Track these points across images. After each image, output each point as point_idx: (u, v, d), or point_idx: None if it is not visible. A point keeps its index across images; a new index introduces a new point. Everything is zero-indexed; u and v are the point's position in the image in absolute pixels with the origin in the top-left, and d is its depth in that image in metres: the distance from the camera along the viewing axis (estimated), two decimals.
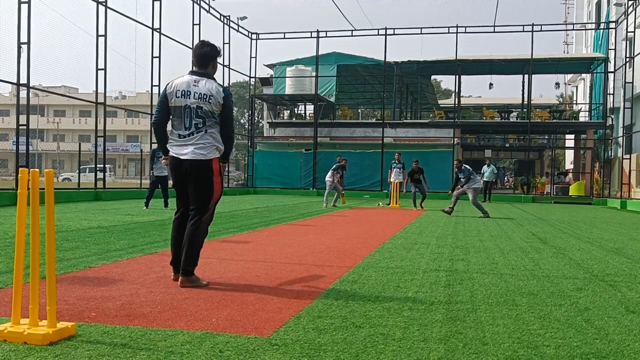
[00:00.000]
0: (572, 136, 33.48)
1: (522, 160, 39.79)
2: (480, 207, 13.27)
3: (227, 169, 4.61)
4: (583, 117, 30.41)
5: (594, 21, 34.40)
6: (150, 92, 20.65)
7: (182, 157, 4.16)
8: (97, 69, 17.08)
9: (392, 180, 17.46)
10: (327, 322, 3.23)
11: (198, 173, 4.14)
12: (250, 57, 29.14)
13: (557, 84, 39.90)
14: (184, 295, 3.85)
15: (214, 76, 4.35)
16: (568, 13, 52.87)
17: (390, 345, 2.82)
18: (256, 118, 50.72)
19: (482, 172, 22.53)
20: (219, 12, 25.58)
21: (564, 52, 50.46)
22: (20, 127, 14.01)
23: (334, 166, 16.82)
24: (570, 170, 33.45)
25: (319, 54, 28.33)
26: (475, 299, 3.95)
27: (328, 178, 16.57)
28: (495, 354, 2.73)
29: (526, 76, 28.44)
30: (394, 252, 6.34)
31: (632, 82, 23.25)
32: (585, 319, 3.48)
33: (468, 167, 13.58)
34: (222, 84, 4.34)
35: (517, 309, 3.68)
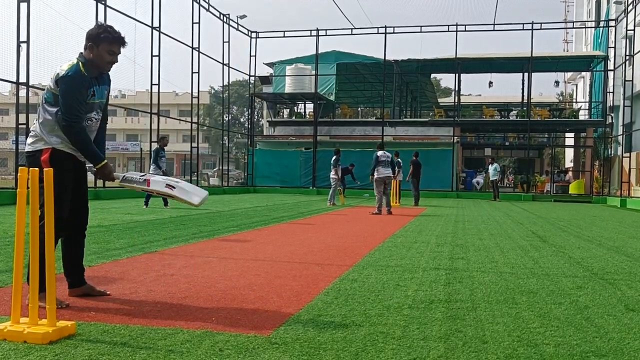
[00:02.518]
0: (572, 134, 33.48)
1: (522, 159, 39.79)
2: (379, 202, 13.15)
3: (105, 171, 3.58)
4: (583, 116, 30.41)
5: (593, 19, 34.39)
6: (150, 90, 20.65)
7: None
8: None
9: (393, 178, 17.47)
10: (326, 320, 3.23)
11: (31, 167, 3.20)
12: (250, 56, 29.16)
13: (557, 82, 39.88)
14: (184, 294, 3.85)
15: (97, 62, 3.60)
16: (568, 11, 52.88)
17: (390, 344, 2.82)
18: (256, 117, 50.72)
19: (487, 171, 22.78)
20: (218, 11, 25.59)
21: (564, 50, 50.44)
22: (19, 126, 14.01)
23: (332, 161, 16.69)
24: (570, 169, 33.45)
25: (319, 52, 28.34)
26: (475, 298, 3.95)
27: (333, 175, 16.51)
28: (495, 352, 2.73)
29: (526, 74, 28.43)
30: (393, 251, 6.34)
31: (632, 80, 23.25)
32: (585, 317, 3.48)
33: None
34: (77, 64, 3.53)
35: (517, 308, 3.68)
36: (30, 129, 3.63)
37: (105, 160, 3.57)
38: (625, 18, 23.84)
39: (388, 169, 13.37)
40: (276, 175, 27.80)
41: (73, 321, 2.96)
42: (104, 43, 3.56)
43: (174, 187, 3.65)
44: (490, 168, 22.58)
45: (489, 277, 4.78)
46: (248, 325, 3.09)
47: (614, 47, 25.76)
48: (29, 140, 3.57)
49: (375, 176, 13.32)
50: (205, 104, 57.96)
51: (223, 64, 26.26)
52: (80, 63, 3.54)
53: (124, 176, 3.70)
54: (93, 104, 3.60)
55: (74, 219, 3.66)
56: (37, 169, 2.93)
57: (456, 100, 28.36)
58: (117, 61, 3.67)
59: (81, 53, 3.63)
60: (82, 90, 3.49)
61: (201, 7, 23.88)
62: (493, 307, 3.67)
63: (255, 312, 3.40)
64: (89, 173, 3.99)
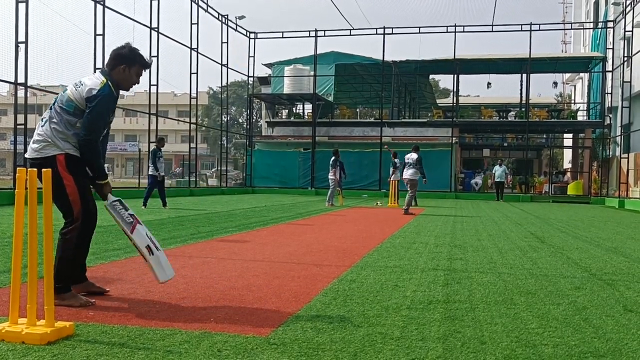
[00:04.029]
0: (570, 135, 33.51)
1: (521, 160, 39.82)
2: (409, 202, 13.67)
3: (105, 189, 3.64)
4: (581, 117, 30.44)
5: (592, 20, 34.43)
6: (148, 91, 20.64)
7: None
8: (95, 68, 17.04)
9: (391, 179, 17.51)
10: (325, 321, 3.23)
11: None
12: (249, 57, 29.16)
13: (555, 83, 39.82)
14: (182, 295, 3.85)
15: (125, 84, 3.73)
16: (566, 12, 52.96)
17: (389, 345, 2.82)
18: (254, 117, 50.70)
19: (493, 172, 22.91)
20: (217, 12, 25.57)
21: (562, 51, 50.49)
22: (18, 127, 14.00)
23: (330, 162, 16.69)
24: (569, 170, 33.49)
25: (317, 53, 28.33)
26: (474, 298, 3.95)
27: (331, 176, 16.51)
28: (493, 353, 2.73)
29: (524, 75, 28.45)
30: (392, 252, 6.34)
31: (630, 81, 23.27)
32: (583, 317, 3.48)
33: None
34: (107, 83, 3.57)
35: (515, 308, 3.68)
36: (37, 134, 3.55)
37: (108, 179, 3.66)
38: (623, 19, 23.86)
39: (408, 170, 13.80)
40: (275, 176, 27.80)
41: (71, 322, 2.96)
42: (136, 66, 3.69)
43: (152, 254, 3.51)
44: (499, 169, 22.68)
45: (487, 278, 4.78)
46: (246, 326, 3.09)
47: (612, 48, 25.78)
48: (35, 145, 3.52)
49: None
50: (203, 105, 57.93)
51: (222, 64, 26.26)
52: (109, 83, 3.59)
53: (113, 202, 3.57)
54: (109, 121, 3.71)
55: None
56: (47, 172, 2.92)
57: (455, 101, 28.36)
58: (139, 83, 3.80)
59: (105, 70, 3.68)
60: (110, 110, 3.60)
61: (200, 8, 23.87)
62: (491, 308, 3.67)
63: (253, 313, 3.40)
64: None
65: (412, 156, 13.74)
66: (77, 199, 3.51)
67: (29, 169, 2.88)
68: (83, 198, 3.54)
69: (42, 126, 3.57)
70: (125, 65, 3.65)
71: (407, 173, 13.69)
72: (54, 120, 3.53)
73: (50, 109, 3.60)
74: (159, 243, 3.62)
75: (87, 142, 3.49)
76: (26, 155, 3.58)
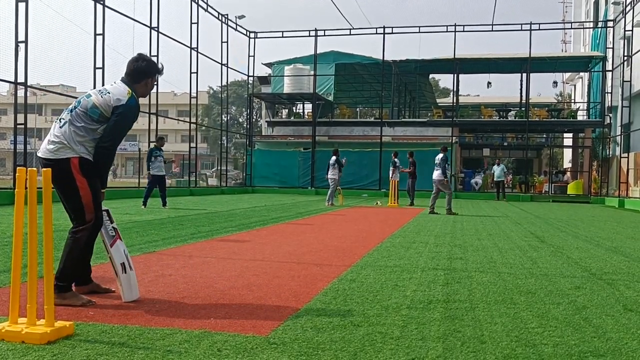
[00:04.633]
0: (570, 135, 33.50)
1: (520, 159, 39.81)
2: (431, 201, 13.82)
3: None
4: (581, 116, 30.43)
5: (591, 20, 34.43)
6: None
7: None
8: (95, 68, 17.04)
9: (391, 178, 17.51)
10: (325, 320, 3.23)
11: (54, 176, 3.23)
12: (249, 56, 29.16)
13: (555, 83, 39.77)
14: (182, 295, 3.85)
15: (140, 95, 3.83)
16: (566, 12, 52.99)
17: (389, 344, 2.82)
18: (254, 117, 50.72)
19: (492, 171, 23.00)
20: (217, 11, 25.56)
21: (562, 50, 50.50)
22: (18, 126, 13.99)
23: (332, 162, 16.62)
24: (568, 169, 33.49)
25: (317, 52, 28.33)
26: (474, 298, 3.95)
27: (332, 176, 16.45)
28: (493, 353, 2.73)
29: (524, 75, 28.44)
30: (392, 251, 6.34)
31: (630, 81, 23.26)
32: (583, 317, 3.48)
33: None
34: (133, 94, 3.69)
35: (515, 308, 3.68)
36: (53, 134, 3.57)
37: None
38: (623, 19, 23.86)
39: (435, 171, 13.86)
40: (275, 176, 27.79)
41: (71, 321, 2.96)
42: (155, 75, 3.87)
43: (125, 272, 3.60)
44: (497, 169, 22.80)
45: (487, 278, 4.78)
46: (246, 326, 3.09)
47: (612, 48, 25.77)
48: (51, 147, 3.54)
49: None
50: (203, 104, 57.92)
51: (221, 64, 26.25)
52: (133, 93, 3.71)
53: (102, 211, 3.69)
54: None
55: None
56: (47, 172, 2.92)
57: (455, 101, 28.36)
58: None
59: (126, 80, 3.75)
60: (134, 120, 3.72)
61: (199, 7, 23.86)
62: (491, 307, 3.67)
63: (253, 312, 3.40)
64: None
65: (438, 156, 13.90)
66: (89, 202, 3.56)
67: (29, 169, 2.87)
68: (95, 201, 3.58)
69: (60, 127, 3.59)
70: (151, 78, 3.84)
71: (434, 174, 13.81)
72: (75, 124, 3.56)
73: (71, 111, 3.62)
74: (132, 263, 3.70)
75: (107, 148, 3.60)
76: (39, 155, 3.60)
